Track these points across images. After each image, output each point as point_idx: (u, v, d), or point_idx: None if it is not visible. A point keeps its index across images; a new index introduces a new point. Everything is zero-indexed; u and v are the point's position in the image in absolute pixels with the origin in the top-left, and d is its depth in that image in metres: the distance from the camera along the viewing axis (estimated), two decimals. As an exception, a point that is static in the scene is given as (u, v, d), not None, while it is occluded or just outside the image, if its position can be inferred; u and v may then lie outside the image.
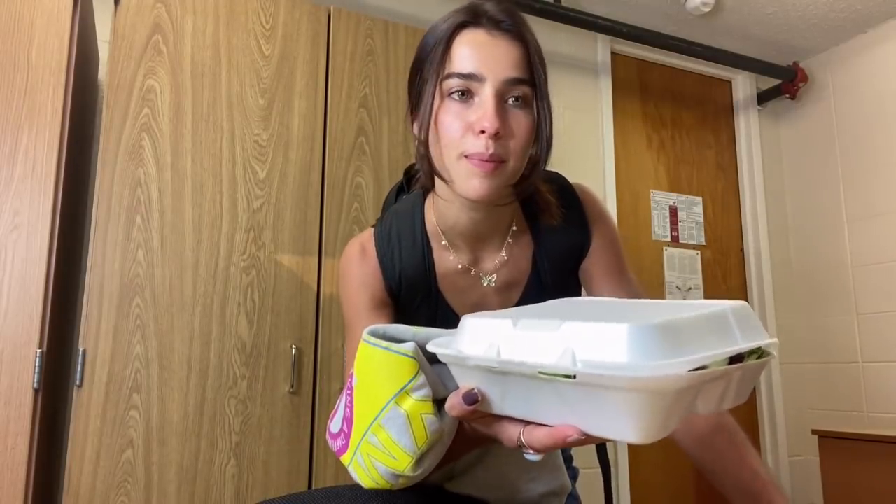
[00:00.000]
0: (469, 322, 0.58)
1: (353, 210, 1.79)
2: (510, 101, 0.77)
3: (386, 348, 0.62)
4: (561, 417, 0.50)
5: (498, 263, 0.90)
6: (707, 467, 0.86)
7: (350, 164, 1.81)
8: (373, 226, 0.95)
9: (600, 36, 2.82)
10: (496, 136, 0.75)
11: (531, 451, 0.53)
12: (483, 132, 0.75)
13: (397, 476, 0.63)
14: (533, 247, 0.92)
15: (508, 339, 0.52)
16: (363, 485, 0.67)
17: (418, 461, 0.62)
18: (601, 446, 0.99)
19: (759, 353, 0.49)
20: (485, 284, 0.90)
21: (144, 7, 1.66)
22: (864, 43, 2.88)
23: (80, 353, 1.47)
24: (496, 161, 0.76)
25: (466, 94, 0.78)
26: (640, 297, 0.86)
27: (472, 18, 0.80)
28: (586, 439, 0.49)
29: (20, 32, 1.48)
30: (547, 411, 0.51)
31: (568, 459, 1.03)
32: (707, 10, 2.63)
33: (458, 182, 0.78)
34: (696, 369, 0.43)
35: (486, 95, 0.76)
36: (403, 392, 0.61)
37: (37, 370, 1.37)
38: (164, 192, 1.60)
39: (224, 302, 1.61)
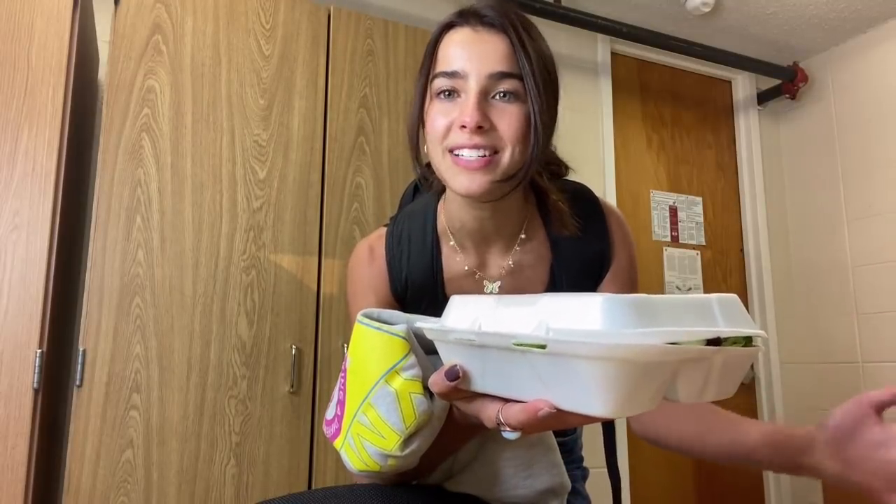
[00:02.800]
0: (455, 300, 0.59)
1: (353, 210, 1.79)
2: (497, 97, 0.76)
3: (378, 328, 0.63)
4: (535, 392, 0.49)
5: (503, 271, 0.88)
6: (700, 446, 0.80)
7: (350, 164, 1.81)
8: (385, 225, 0.94)
9: (600, 36, 2.82)
10: (479, 131, 0.74)
11: (508, 429, 0.53)
12: (464, 127, 0.74)
13: (386, 456, 0.64)
14: (550, 258, 0.90)
15: (490, 315, 0.53)
16: (353, 468, 0.67)
17: (406, 441, 0.63)
18: (612, 458, 0.98)
19: (744, 343, 0.48)
20: (487, 291, 0.89)
21: (144, 7, 1.66)
22: (864, 43, 2.88)
23: (80, 353, 1.47)
24: (487, 154, 0.75)
25: (453, 94, 0.77)
26: None
27: (458, 18, 0.80)
28: (558, 414, 0.48)
29: (20, 33, 1.48)
30: (523, 386, 0.51)
31: (578, 460, 1.03)
32: (707, 10, 2.63)
33: (448, 179, 0.78)
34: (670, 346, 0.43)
35: (469, 91, 0.75)
36: (393, 371, 0.62)
37: (37, 370, 1.37)
38: (164, 192, 1.60)
39: (224, 302, 1.61)
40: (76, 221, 1.76)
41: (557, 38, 2.71)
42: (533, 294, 0.52)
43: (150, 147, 1.61)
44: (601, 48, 2.84)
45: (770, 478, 2.91)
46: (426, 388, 0.63)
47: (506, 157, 0.76)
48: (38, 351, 1.38)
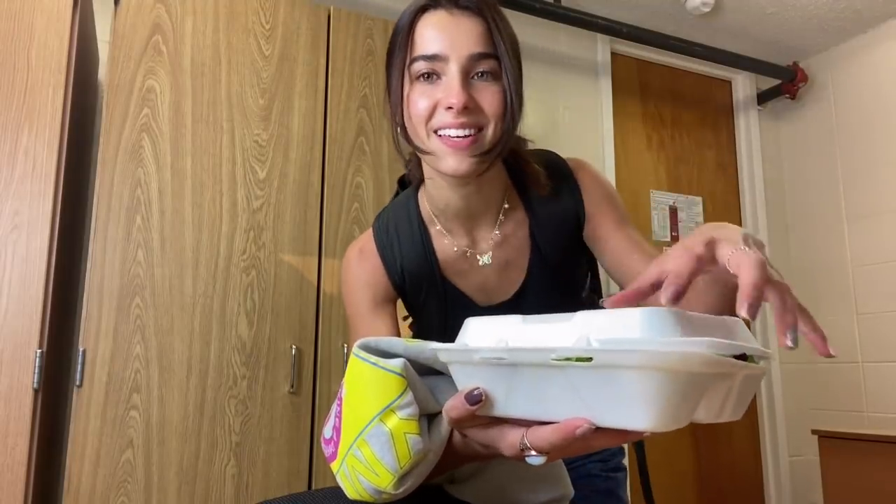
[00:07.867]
0: (473, 323, 0.56)
1: (353, 210, 1.79)
2: (476, 77, 0.79)
3: (374, 364, 0.61)
4: (572, 410, 0.47)
5: (492, 242, 0.90)
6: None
7: (350, 164, 1.81)
8: (372, 226, 0.96)
9: (600, 36, 2.82)
10: (465, 111, 0.77)
11: (534, 454, 0.50)
12: (451, 108, 0.76)
13: (380, 492, 0.63)
14: (528, 222, 0.91)
15: (518, 334, 0.51)
16: (348, 495, 0.67)
17: (400, 479, 0.61)
18: (641, 451, 0.98)
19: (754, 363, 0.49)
20: (480, 264, 0.90)
21: (144, 7, 1.66)
22: (864, 43, 2.88)
23: (80, 353, 1.47)
24: (473, 132, 0.77)
25: (433, 76, 0.79)
26: (645, 247, 0.86)
27: (432, 1, 0.81)
28: (596, 432, 0.47)
29: (20, 33, 1.48)
30: (555, 405, 0.48)
31: (616, 454, 1.02)
32: (707, 10, 2.63)
33: (437, 160, 0.80)
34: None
35: (451, 73, 0.78)
36: (389, 410, 0.60)
37: (37, 370, 1.37)
38: (164, 192, 1.60)
39: (224, 302, 1.61)
40: (76, 221, 1.76)
41: (557, 38, 2.71)
42: (562, 313, 0.50)
43: (150, 147, 1.61)
44: (601, 48, 2.84)
45: (770, 477, 2.91)
46: (428, 416, 0.62)
47: (489, 132, 0.79)
48: (38, 351, 1.38)
